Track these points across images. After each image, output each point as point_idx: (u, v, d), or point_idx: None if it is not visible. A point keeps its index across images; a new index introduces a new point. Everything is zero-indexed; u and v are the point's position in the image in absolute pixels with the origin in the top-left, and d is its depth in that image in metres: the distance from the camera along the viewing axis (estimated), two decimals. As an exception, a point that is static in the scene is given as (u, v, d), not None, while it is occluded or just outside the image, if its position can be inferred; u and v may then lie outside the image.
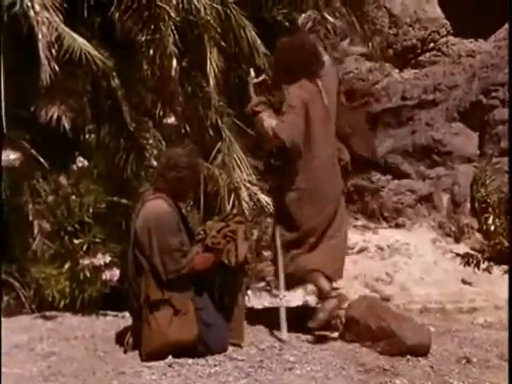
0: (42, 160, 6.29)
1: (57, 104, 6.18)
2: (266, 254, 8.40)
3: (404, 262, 11.39)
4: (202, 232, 4.99)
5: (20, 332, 5.42)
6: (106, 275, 5.96)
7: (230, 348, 4.90)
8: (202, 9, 6.11)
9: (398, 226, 12.64)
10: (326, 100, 5.34)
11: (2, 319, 5.59)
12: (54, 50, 5.65)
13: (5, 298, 5.93)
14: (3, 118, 5.59)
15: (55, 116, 6.16)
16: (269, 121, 5.23)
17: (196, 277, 4.85)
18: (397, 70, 14.64)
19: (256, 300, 8.24)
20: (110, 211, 6.37)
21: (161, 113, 6.51)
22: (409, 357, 4.89)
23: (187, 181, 4.97)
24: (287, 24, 7.36)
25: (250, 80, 5.49)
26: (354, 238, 11.31)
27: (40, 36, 5.56)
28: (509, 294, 4.84)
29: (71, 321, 5.80)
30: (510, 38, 6.79)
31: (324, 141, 5.31)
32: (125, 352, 4.94)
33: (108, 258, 6.00)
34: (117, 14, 6.25)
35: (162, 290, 4.80)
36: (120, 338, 5.09)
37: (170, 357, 4.72)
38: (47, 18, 5.57)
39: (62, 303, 6.00)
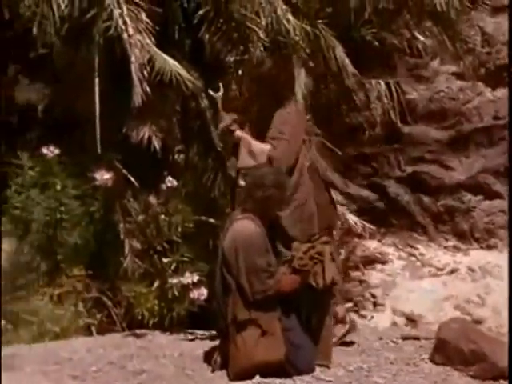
0: (132, 180, 6.42)
1: (148, 125, 6.30)
2: (354, 274, 8.33)
3: (496, 284, 11.09)
4: (288, 253, 4.98)
5: (112, 349, 5.51)
6: (194, 294, 5.99)
7: (318, 369, 4.87)
8: (292, 29, 6.13)
9: (489, 247, 12.34)
10: None
11: (96, 336, 5.73)
12: (145, 72, 5.75)
13: (97, 316, 6.04)
14: (98, 139, 5.73)
15: (146, 136, 6.29)
16: (257, 144, 5.25)
17: (283, 298, 4.84)
18: (489, 89, 14.35)
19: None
20: (198, 230, 6.42)
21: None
22: (502, 381, 4.76)
23: (274, 200, 4.98)
24: (376, 44, 7.32)
25: (217, 95, 5.45)
26: (445, 259, 11.06)
27: (133, 58, 5.67)
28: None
29: (160, 339, 5.87)
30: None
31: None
32: (213, 371, 4.95)
33: (196, 277, 6.04)
34: (207, 36, 6.34)
35: (249, 310, 4.80)
36: (208, 357, 5.12)
37: (258, 377, 4.70)
38: (140, 41, 5.69)
39: (151, 321, 6.07)
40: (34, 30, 5.82)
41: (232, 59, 6.33)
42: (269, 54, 5.79)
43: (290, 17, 6.08)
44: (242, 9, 6.02)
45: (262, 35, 6.04)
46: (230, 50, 6.30)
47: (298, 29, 6.13)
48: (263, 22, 6.03)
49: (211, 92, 5.45)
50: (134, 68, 5.69)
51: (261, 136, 5.26)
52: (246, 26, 6.09)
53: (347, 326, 5.62)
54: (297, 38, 6.16)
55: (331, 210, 5.73)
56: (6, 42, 6.00)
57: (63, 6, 5.77)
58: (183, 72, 5.91)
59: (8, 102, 6.32)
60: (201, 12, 6.26)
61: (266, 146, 5.20)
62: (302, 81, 6.37)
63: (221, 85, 5.45)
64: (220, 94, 5.40)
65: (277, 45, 6.14)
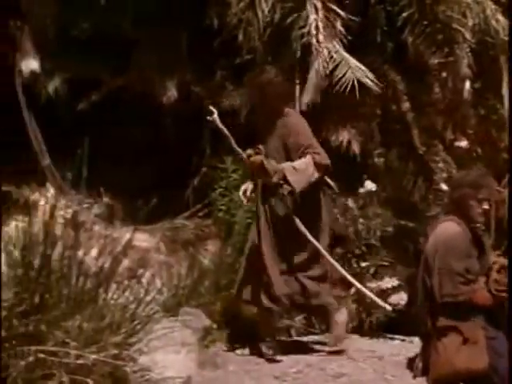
0: (331, 183, 6.45)
1: (347, 128, 6.33)
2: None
3: None
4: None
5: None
6: (394, 299, 5.94)
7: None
8: (501, 29, 5.95)
9: None
10: None
11: (296, 338, 5.82)
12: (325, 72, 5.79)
13: (296, 318, 6.09)
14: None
15: (345, 140, 6.32)
16: (297, 163, 5.19)
17: (474, 308, 4.68)
18: None
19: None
20: (398, 234, 6.36)
21: (451, 136, 6.42)
22: None
23: (470, 200, 4.80)
24: None
25: (214, 119, 5.30)
26: None
27: (316, 65, 5.73)
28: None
29: (359, 343, 5.85)
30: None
31: None
32: (414, 377, 4.88)
33: (395, 282, 5.98)
34: (410, 38, 6.29)
35: (450, 316, 4.69)
36: (410, 363, 5.05)
37: (460, 384, 4.60)
38: (326, 47, 5.73)
39: (350, 325, 6.07)
40: (240, 37, 6.02)
41: (436, 61, 6.23)
42: None
43: (500, 16, 5.90)
44: (449, 10, 5.91)
45: (468, 36, 5.91)
46: (434, 51, 6.21)
47: (506, 28, 5.94)
48: (470, 23, 5.90)
49: (208, 117, 5.35)
50: (313, 73, 5.74)
51: None
52: (452, 27, 5.98)
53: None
54: (505, 38, 5.96)
55: None
56: (214, 49, 6.23)
57: (266, 11, 5.91)
58: (368, 80, 5.89)
59: (214, 107, 6.54)
60: (404, 14, 6.23)
61: (306, 159, 5.19)
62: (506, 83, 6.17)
63: (213, 109, 5.36)
64: (215, 116, 5.32)
65: (484, 46, 5.98)
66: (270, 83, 5.32)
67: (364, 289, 5.46)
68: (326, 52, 5.88)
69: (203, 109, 5.67)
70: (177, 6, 6.27)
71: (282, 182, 5.21)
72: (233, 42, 6.11)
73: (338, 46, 5.94)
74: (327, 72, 5.90)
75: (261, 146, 5.34)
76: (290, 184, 5.21)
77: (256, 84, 5.41)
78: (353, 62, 5.98)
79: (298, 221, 5.22)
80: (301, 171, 5.23)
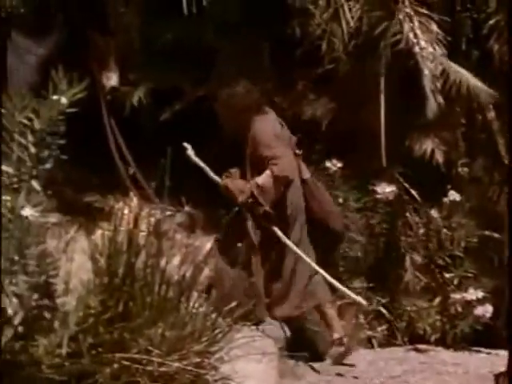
0: (414, 193, 6.39)
1: (431, 137, 6.25)
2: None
3: None
4: None
5: (394, 363, 5.50)
6: (479, 311, 5.82)
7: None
8: None
9: None
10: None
11: (377, 349, 5.76)
12: (438, 84, 5.70)
13: (378, 329, 6.06)
14: (383, 152, 5.78)
15: (429, 149, 6.24)
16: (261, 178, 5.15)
17: None
18: None
19: None
20: (482, 245, 6.25)
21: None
22: None
23: None
24: None
25: (189, 155, 5.31)
26: None
27: (426, 71, 5.65)
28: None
29: (443, 355, 5.76)
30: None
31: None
32: (500, 392, 4.78)
33: (480, 294, 5.86)
34: (496, 46, 6.18)
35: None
36: (496, 377, 4.94)
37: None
38: (432, 53, 5.65)
39: (433, 337, 5.99)
40: (323, 47, 6.01)
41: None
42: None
43: None
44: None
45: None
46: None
47: None
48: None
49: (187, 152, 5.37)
50: (426, 80, 5.66)
51: None
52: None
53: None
54: None
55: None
56: (295, 59, 6.23)
57: (352, 23, 5.90)
58: (478, 83, 5.79)
59: (294, 118, 6.55)
60: (491, 22, 6.14)
61: (267, 172, 5.16)
62: None
63: (187, 144, 5.39)
64: (189, 151, 5.34)
65: None
66: (233, 96, 5.35)
67: (344, 288, 5.43)
68: (431, 57, 5.80)
69: (284, 118, 5.68)
70: (259, 16, 6.30)
71: (251, 201, 5.19)
72: (315, 51, 6.10)
73: (440, 51, 5.86)
74: (439, 78, 5.81)
75: (233, 170, 5.35)
76: (259, 202, 5.19)
77: (220, 100, 5.45)
78: (457, 67, 5.92)
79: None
80: (266, 187, 5.18)
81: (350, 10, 6.04)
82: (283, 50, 6.36)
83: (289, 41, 6.21)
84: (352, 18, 5.93)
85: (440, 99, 5.67)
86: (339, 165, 6.25)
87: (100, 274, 3.63)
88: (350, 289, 5.87)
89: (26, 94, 3.24)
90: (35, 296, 3.07)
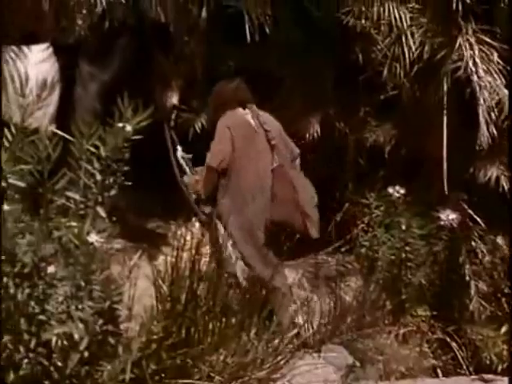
0: (479, 220, 6.29)
1: (495, 165, 6.17)
2: None
3: None
4: None
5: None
6: (546, 341, 5.69)
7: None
8: None
9: None
10: (265, 136, 5.45)
11: (443, 378, 5.66)
12: (493, 114, 5.65)
13: (443, 358, 5.96)
14: (445, 178, 5.73)
15: (494, 176, 6.16)
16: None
17: None
18: None
19: None
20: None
21: None
22: None
23: None
24: None
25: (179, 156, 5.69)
26: None
27: (481, 100, 5.61)
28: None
29: (511, 386, 5.64)
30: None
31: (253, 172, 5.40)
32: None
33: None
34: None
35: None
36: None
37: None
38: (489, 82, 5.61)
39: (500, 367, 5.87)
40: (385, 73, 6.00)
41: None
42: None
43: None
44: None
45: None
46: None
47: None
48: None
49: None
50: (481, 110, 5.63)
51: None
52: None
53: None
54: None
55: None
56: (358, 85, 6.24)
57: (413, 49, 5.88)
58: None
59: (357, 143, 6.53)
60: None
61: None
62: None
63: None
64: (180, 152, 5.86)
65: None
66: (222, 89, 5.67)
67: None
68: (488, 86, 5.77)
69: (347, 145, 5.69)
70: (322, 42, 6.32)
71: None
72: (378, 77, 6.09)
73: (498, 81, 5.82)
74: (494, 108, 5.78)
75: (199, 168, 5.71)
76: None
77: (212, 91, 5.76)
78: None
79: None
80: (201, 176, 5.62)
81: (412, 35, 6.03)
82: (346, 76, 6.37)
83: (352, 66, 6.21)
84: (414, 43, 5.91)
85: (493, 130, 5.61)
86: (402, 191, 6.20)
87: (163, 300, 3.66)
88: (413, 317, 5.82)
89: (93, 122, 3.30)
90: (100, 321, 3.10)
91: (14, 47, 5.80)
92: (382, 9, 6.08)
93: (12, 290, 3.03)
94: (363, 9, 6.10)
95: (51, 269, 3.08)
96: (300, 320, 5.23)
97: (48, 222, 3.14)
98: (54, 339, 3.01)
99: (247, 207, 5.44)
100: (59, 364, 3.07)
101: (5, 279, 3.03)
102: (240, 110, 5.59)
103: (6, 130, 3.23)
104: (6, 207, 3.11)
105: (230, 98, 5.59)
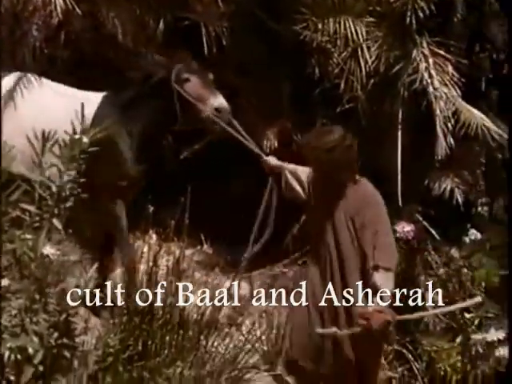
0: (433, 232, 6.35)
1: (450, 177, 6.24)
2: None
3: None
4: None
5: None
6: (501, 352, 5.75)
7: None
8: None
9: None
10: None
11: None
12: (450, 125, 5.73)
13: (399, 369, 5.99)
14: (399, 191, 5.78)
15: (448, 188, 6.23)
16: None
17: None
18: None
19: None
20: (504, 286, 6.18)
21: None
22: None
23: None
24: None
25: None
26: None
27: (437, 111, 5.69)
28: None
29: (464, 397, 5.70)
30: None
31: None
32: None
33: (502, 334, 5.78)
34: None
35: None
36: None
37: None
38: (445, 93, 5.69)
39: (454, 378, 5.89)
40: (342, 86, 6.05)
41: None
42: None
43: None
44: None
45: None
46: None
47: None
48: None
49: None
50: (438, 120, 5.69)
51: None
52: None
53: None
54: None
55: None
56: (314, 98, 6.28)
57: (370, 62, 5.94)
58: (490, 125, 5.81)
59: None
60: (512, 62, 6.13)
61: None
62: None
63: None
64: None
65: None
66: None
67: None
68: (444, 97, 5.84)
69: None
70: (278, 55, 6.35)
71: None
72: (334, 90, 6.14)
73: (454, 92, 5.90)
74: (450, 119, 5.84)
75: None
76: None
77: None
78: (471, 108, 5.94)
79: None
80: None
81: (368, 49, 6.09)
82: (302, 89, 6.40)
83: (309, 79, 6.25)
84: (370, 57, 5.98)
85: (450, 140, 5.69)
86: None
87: (119, 313, 3.63)
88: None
89: (49, 134, 3.27)
90: (55, 335, 3.06)
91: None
92: (338, 23, 6.14)
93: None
94: (319, 25, 6.16)
95: (5, 282, 3.04)
96: (258, 332, 5.23)
97: (2, 234, 3.10)
98: (6, 353, 2.97)
99: None
100: (12, 378, 3.03)
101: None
102: None
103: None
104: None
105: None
